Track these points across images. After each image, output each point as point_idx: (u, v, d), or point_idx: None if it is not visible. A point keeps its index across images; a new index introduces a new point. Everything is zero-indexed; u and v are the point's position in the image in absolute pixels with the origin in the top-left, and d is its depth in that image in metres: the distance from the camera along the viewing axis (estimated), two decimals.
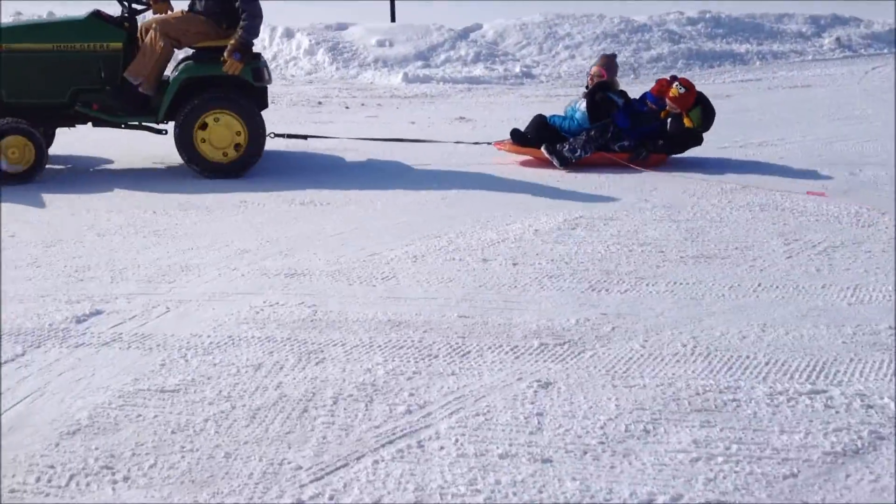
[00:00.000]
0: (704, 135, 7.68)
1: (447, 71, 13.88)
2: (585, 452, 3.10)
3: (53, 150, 8.00)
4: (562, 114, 7.90)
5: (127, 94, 7.00)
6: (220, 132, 7.07)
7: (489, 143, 8.09)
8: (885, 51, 16.09)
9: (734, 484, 2.92)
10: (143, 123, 7.30)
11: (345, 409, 3.39)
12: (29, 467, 3.00)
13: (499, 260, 5.12)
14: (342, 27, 15.25)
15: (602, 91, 7.63)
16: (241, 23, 6.96)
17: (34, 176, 6.90)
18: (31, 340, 4.00)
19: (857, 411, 3.37)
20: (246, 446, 3.13)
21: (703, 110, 7.58)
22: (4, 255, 5.21)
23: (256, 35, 7.10)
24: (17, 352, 3.88)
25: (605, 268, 5.00)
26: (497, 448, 3.12)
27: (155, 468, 3.01)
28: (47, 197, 6.54)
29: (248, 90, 7.15)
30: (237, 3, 6.99)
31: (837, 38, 16.63)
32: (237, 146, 7.12)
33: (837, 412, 3.37)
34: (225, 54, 6.91)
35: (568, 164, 7.44)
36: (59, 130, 7.74)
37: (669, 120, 7.47)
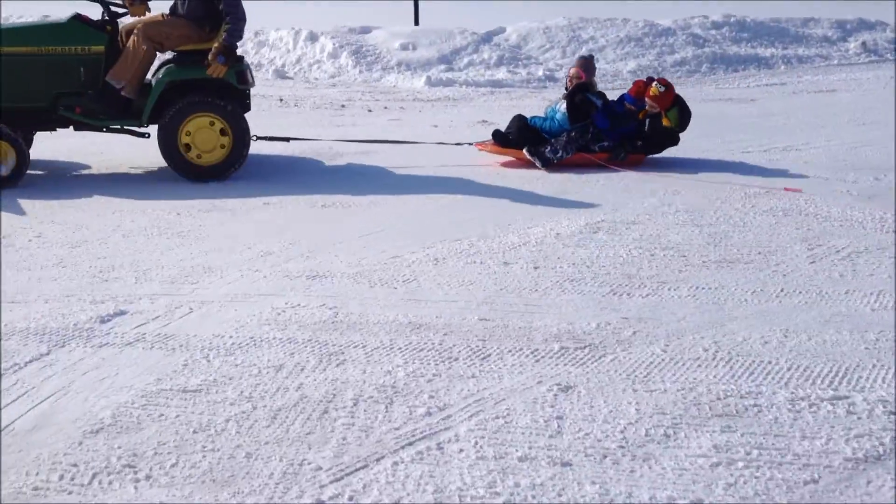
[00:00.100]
0: (719, 139, 7.69)
1: (470, 74, 13.91)
2: (605, 456, 3.10)
3: (82, 155, 8.09)
4: (542, 115, 8.05)
5: (109, 98, 6.95)
6: (205, 135, 7.05)
7: (471, 144, 8.19)
8: None
9: (754, 489, 2.91)
10: (126, 127, 7.24)
11: (365, 410, 3.41)
12: (52, 465, 3.03)
13: (520, 263, 5.13)
14: (366, 30, 15.30)
15: (581, 92, 7.78)
16: (225, 26, 6.93)
17: (17, 181, 6.81)
18: (55, 340, 4.04)
19: (880, 417, 3.35)
20: (266, 446, 3.15)
21: (680, 111, 7.74)
22: (31, 256, 5.27)
23: (240, 38, 7.08)
24: (41, 351, 3.92)
25: (626, 272, 4.99)
26: (516, 451, 3.12)
27: (176, 467, 3.03)
28: (74, 198, 6.59)
29: (230, 93, 7.12)
30: (220, 7, 6.95)
31: (863, 43, 16.52)
32: (222, 149, 7.08)
33: (859, 418, 3.35)
34: (209, 58, 6.89)
35: (550, 164, 7.57)
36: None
37: (648, 120, 7.63)
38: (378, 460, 3.07)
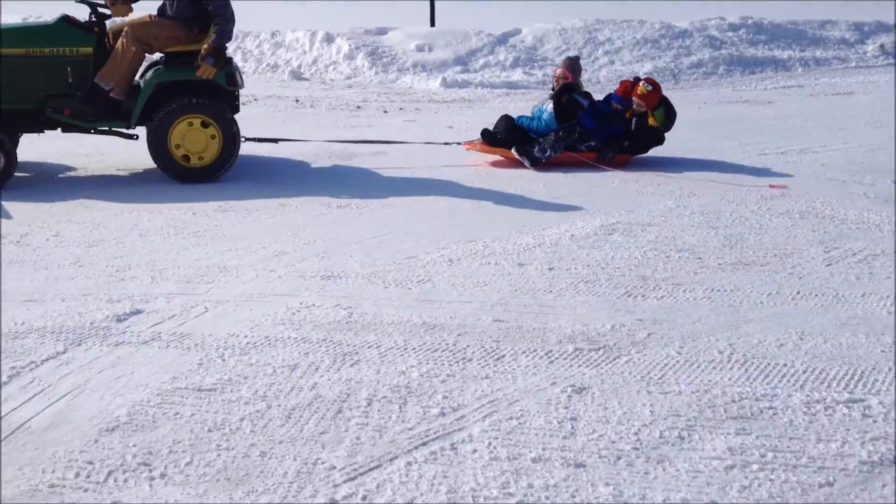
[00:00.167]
0: (735, 141, 7.68)
1: (485, 76, 13.90)
2: (619, 458, 3.09)
3: (95, 155, 8.13)
4: (529, 114, 8.17)
5: (98, 100, 6.91)
6: (195, 137, 7.03)
7: (459, 143, 8.24)
8: None
9: (769, 492, 2.90)
10: (114, 129, 7.21)
11: (379, 410, 3.41)
12: (68, 463, 3.05)
13: (534, 264, 5.12)
14: (382, 32, 15.32)
15: (568, 93, 7.89)
16: (214, 27, 6.91)
17: (3, 183, 6.78)
18: (72, 338, 4.06)
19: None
20: (281, 446, 3.16)
21: (666, 111, 7.87)
22: (48, 255, 5.30)
23: (229, 39, 7.06)
24: (58, 349, 3.94)
25: (641, 273, 4.99)
26: (530, 452, 3.12)
27: (191, 466, 3.04)
28: (91, 198, 6.63)
29: (220, 95, 7.09)
30: (210, 7, 6.93)
31: (881, 45, 16.44)
32: (212, 150, 7.07)
33: (875, 421, 3.33)
34: (199, 59, 6.87)
35: (538, 163, 7.67)
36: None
37: (635, 119, 7.74)
38: (392, 460, 3.07)
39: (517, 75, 14.00)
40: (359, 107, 11.57)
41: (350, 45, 14.66)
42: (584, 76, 13.94)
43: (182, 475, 2.99)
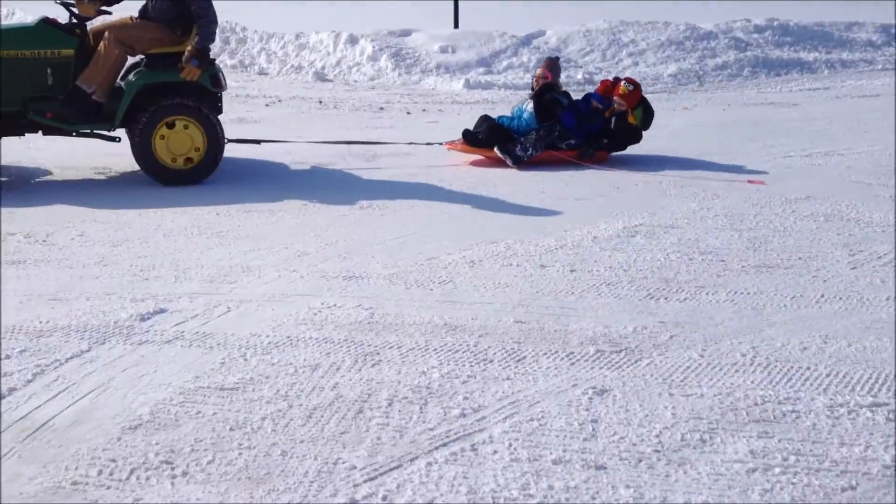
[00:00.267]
0: (760, 143, 7.64)
1: (509, 77, 13.88)
2: (640, 460, 3.08)
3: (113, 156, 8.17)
4: (508, 114, 8.32)
5: (80, 102, 6.83)
6: (179, 139, 6.97)
7: (441, 144, 8.31)
8: None
9: (791, 495, 2.88)
10: (96, 131, 7.15)
11: (399, 410, 3.42)
12: (91, 460, 3.08)
13: (556, 266, 5.11)
14: (405, 33, 15.33)
15: (548, 92, 8.05)
16: (198, 29, 6.88)
17: None
18: (96, 337, 4.10)
19: None
20: (302, 445, 3.17)
21: (644, 110, 8.05)
22: (74, 254, 5.34)
23: (213, 40, 7.04)
24: (82, 348, 3.98)
25: (664, 276, 4.97)
26: (551, 454, 3.12)
27: (213, 464, 3.06)
28: (116, 197, 6.68)
29: (204, 96, 7.05)
30: (192, 9, 6.88)
31: None
32: (196, 152, 7.02)
33: None
34: (183, 61, 6.83)
35: (520, 162, 7.80)
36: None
37: (614, 118, 7.93)
38: (412, 460, 3.07)
39: None
40: (382, 108, 11.58)
41: (374, 47, 14.69)
42: (609, 77, 13.93)
43: (204, 473, 3.00)
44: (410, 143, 8.51)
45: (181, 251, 5.42)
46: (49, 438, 3.22)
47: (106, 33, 6.89)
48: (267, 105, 11.59)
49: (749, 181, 7.08)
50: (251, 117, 10.54)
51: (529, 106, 8.09)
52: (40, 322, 4.26)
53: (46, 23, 6.97)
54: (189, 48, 6.86)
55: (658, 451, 3.13)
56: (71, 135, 7.19)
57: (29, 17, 8.14)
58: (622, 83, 7.99)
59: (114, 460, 3.08)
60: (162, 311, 4.43)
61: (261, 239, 5.66)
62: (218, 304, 4.53)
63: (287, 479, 2.96)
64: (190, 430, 3.28)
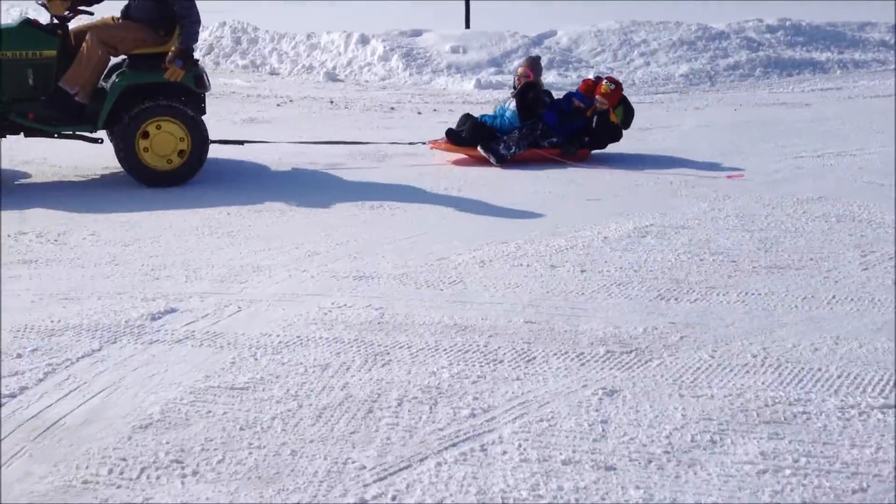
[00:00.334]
0: (772, 143, 7.63)
1: None
2: (650, 461, 3.08)
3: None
4: (491, 113, 8.38)
5: (62, 103, 6.78)
6: (163, 140, 6.91)
7: (424, 143, 8.35)
8: None
9: (801, 497, 2.87)
10: (78, 133, 7.08)
11: (409, 410, 3.42)
12: (102, 459, 3.09)
13: (567, 267, 5.11)
14: (417, 34, 15.34)
15: (531, 91, 8.13)
16: (181, 29, 6.84)
17: None
18: (107, 336, 4.11)
19: None
20: (311, 445, 3.18)
21: (625, 109, 8.15)
22: (85, 253, 5.36)
23: (196, 41, 7.00)
24: (93, 347, 3.99)
25: (674, 276, 4.96)
26: (560, 454, 3.12)
27: (223, 463, 3.07)
28: (128, 197, 6.70)
29: (187, 97, 7.02)
30: (175, 9, 6.84)
31: None
32: (181, 153, 6.98)
33: None
34: (167, 61, 6.79)
35: (504, 160, 7.87)
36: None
37: (596, 117, 8.03)
38: (421, 461, 3.08)
39: (552, 77, 13.94)
40: (393, 108, 11.59)
41: (385, 47, 14.69)
42: (620, 77, 13.92)
43: (214, 473, 3.01)
44: (392, 143, 8.53)
45: (192, 251, 5.43)
46: (60, 437, 3.23)
47: (88, 34, 6.84)
48: (278, 105, 11.60)
49: (728, 176, 7.16)
50: (262, 117, 10.56)
51: (512, 104, 8.15)
52: (52, 321, 4.27)
53: (28, 23, 6.92)
54: (173, 49, 6.82)
55: (668, 452, 3.13)
56: (53, 136, 7.12)
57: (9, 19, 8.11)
58: (604, 82, 8.10)
59: (124, 459, 3.09)
60: (173, 310, 4.44)
61: (271, 239, 5.67)
62: (228, 303, 4.54)
63: (297, 479, 2.97)
64: (200, 429, 3.29)
